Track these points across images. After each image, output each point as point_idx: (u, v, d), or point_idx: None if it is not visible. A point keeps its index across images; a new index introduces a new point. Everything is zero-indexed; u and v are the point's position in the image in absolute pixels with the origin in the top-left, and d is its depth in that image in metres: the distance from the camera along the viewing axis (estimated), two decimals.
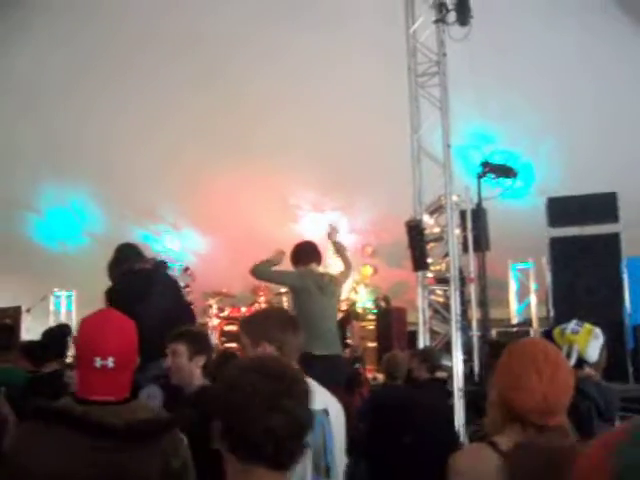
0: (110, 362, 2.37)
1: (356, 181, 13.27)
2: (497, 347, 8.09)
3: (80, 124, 13.67)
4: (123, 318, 2.60)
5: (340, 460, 2.97)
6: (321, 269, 6.65)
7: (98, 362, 2.37)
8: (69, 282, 14.78)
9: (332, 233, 6.83)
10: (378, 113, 12.10)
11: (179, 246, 13.95)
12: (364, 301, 13.38)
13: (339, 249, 6.96)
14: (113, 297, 5.33)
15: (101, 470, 2.26)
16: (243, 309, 12.78)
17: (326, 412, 2.91)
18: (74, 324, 13.69)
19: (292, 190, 14.38)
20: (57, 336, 5.06)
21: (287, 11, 12.20)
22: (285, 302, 12.97)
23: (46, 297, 14.07)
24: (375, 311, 13.02)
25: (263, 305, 13.03)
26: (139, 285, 5.20)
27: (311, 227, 13.87)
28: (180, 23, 12.75)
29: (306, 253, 6.32)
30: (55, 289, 14.37)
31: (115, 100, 13.36)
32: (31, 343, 5.40)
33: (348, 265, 6.80)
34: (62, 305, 14.76)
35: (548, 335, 4.03)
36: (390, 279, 14.21)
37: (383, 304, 12.78)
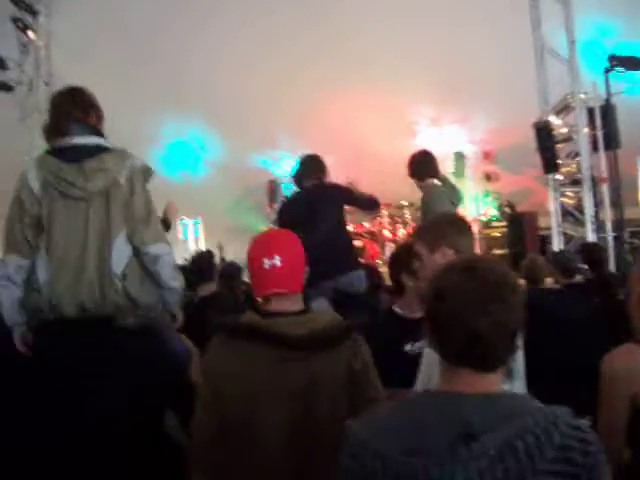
0: (277, 261, 2.46)
1: (474, 90, 12.91)
2: None
3: (195, 57, 13.80)
4: (286, 230, 2.76)
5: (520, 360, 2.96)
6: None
7: (266, 263, 2.46)
8: (194, 211, 15.28)
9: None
10: (493, 16, 11.66)
11: None
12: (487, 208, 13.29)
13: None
14: (281, 216, 5.76)
15: (291, 379, 2.36)
16: (366, 224, 12.92)
17: None
18: (203, 249, 14.26)
19: (409, 106, 14.15)
20: (206, 260, 5.25)
21: None
22: (407, 214, 13.04)
23: (173, 226, 14.58)
24: (496, 217, 12.91)
25: (386, 219, 13.16)
26: (304, 212, 5.27)
27: (429, 142, 13.70)
28: None
29: (433, 164, 6.03)
30: (182, 217, 14.88)
31: (227, 29, 13.40)
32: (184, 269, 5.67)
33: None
34: (189, 232, 15.33)
35: None
36: (509, 185, 13.96)
37: (508, 210, 12.61)
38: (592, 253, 6.23)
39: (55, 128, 3.44)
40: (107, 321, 3.16)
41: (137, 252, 3.31)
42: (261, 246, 2.59)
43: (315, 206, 5.36)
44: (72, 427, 2.97)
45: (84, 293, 3.14)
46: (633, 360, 2.19)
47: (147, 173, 3.45)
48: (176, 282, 3.42)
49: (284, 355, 2.37)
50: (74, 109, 3.45)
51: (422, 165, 6.02)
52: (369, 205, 5.97)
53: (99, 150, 3.37)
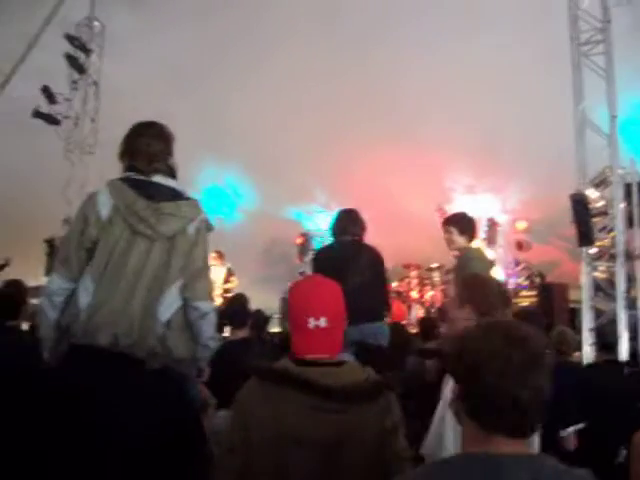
0: (322, 322, 2.45)
1: (511, 161, 12.97)
2: None
3: (237, 104, 14.03)
4: (332, 282, 2.67)
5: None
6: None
7: (312, 323, 2.46)
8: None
9: None
10: (536, 90, 11.78)
11: None
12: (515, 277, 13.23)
13: None
14: (317, 263, 5.76)
15: (321, 429, 2.34)
16: (394, 284, 12.90)
17: None
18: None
19: (447, 172, 14.22)
20: (241, 305, 5.24)
21: None
22: (436, 277, 13.00)
23: None
24: (525, 286, 12.84)
25: (414, 280, 13.14)
26: (337, 262, 5.24)
27: (463, 209, 13.71)
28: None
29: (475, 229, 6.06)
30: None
31: (271, 79, 13.66)
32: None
33: None
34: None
35: None
36: (538, 256, 13.92)
37: (538, 280, 12.54)
38: None
39: (139, 159, 3.39)
40: (138, 362, 3.10)
41: (186, 304, 3.26)
42: (307, 301, 2.55)
43: (350, 259, 5.40)
44: (82, 457, 2.92)
45: (123, 327, 3.08)
46: None
47: (209, 228, 3.45)
48: (213, 342, 3.41)
49: (316, 404, 2.35)
50: (162, 145, 3.45)
51: (471, 226, 5.98)
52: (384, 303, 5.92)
53: (175, 194, 3.35)
